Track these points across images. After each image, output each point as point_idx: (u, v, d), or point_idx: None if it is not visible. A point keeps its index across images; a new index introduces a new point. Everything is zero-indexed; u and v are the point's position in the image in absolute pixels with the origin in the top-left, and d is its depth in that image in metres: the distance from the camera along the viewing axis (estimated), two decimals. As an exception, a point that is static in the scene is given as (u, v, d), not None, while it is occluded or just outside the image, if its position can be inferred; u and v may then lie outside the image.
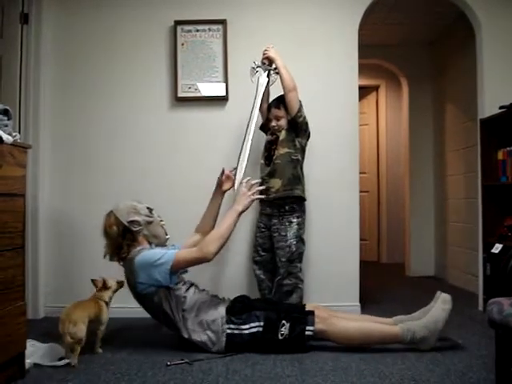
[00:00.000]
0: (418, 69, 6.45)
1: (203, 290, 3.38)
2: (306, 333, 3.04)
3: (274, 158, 3.69)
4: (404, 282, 6.01)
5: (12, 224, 2.55)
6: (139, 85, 4.22)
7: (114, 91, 4.22)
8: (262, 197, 3.50)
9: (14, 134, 2.56)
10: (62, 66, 4.23)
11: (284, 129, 3.72)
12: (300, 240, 3.73)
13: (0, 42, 4.05)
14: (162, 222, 3.41)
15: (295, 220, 3.69)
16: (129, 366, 2.84)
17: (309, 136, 3.78)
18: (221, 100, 4.15)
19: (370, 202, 7.74)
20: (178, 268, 3.11)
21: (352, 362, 2.86)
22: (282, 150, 3.68)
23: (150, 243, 3.31)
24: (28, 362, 2.75)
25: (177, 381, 2.61)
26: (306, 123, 3.72)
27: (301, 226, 3.74)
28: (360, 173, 4.29)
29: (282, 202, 3.67)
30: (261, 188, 3.39)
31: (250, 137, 3.61)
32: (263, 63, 3.75)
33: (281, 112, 3.72)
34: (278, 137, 3.72)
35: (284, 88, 3.66)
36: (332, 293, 4.10)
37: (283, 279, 3.64)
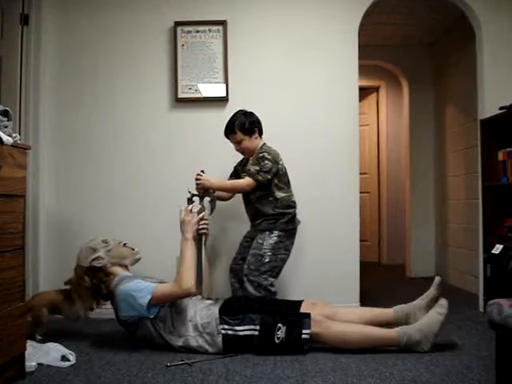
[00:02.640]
0: (419, 69, 6.45)
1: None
2: (303, 336, 3.02)
3: (252, 200, 3.67)
4: (404, 282, 6.01)
5: (12, 225, 2.55)
6: (139, 86, 4.22)
7: (114, 92, 4.23)
8: (207, 232, 3.47)
9: (14, 135, 2.56)
10: (62, 67, 4.22)
11: (251, 148, 3.68)
12: (276, 254, 3.58)
13: (0, 42, 4.05)
14: (124, 242, 3.47)
15: (277, 232, 3.60)
16: (129, 367, 2.84)
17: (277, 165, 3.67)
18: (221, 101, 4.15)
19: (370, 203, 7.74)
20: (158, 302, 3.10)
21: (352, 363, 2.86)
22: (257, 194, 3.64)
23: (125, 267, 3.39)
24: (33, 364, 2.76)
25: (177, 382, 2.61)
26: (268, 178, 3.57)
27: (282, 239, 3.60)
28: (360, 173, 4.30)
29: None
30: (206, 225, 3.36)
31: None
32: (199, 192, 3.60)
33: (237, 136, 3.65)
34: None
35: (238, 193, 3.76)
36: (332, 293, 4.08)
37: (249, 288, 3.52)
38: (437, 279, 3.28)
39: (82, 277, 3.30)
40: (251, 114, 3.73)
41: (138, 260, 3.46)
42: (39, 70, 4.12)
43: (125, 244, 3.46)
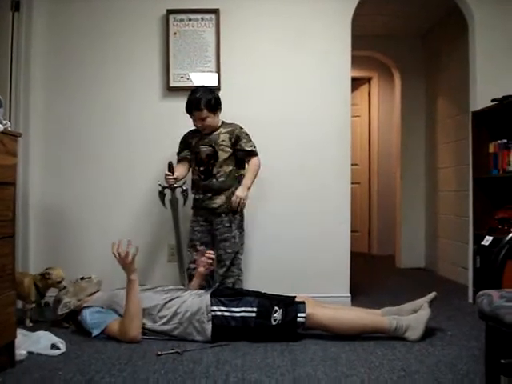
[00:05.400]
0: (411, 61, 6.45)
1: (181, 288, 3.47)
2: (298, 319, 3.07)
3: (218, 174, 3.65)
4: (394, 273, 6.03)
5: (2, 213, 2.53)
6: (131, 74, 4.20)
7: (105, 80, 4.20)
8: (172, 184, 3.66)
9: (4, 122, 2.54)
10: (53, 54, 4.19)
11: (213, 125, 3.69)
12: (242, 230, 3.77)
13: (-9, 29, 4.03)
14: (80, 277, 3.53)
15: (238, 211, 3.71)
16: (119, 356, 2.84)
17: None
18: (213, 90, 4.14)
19: (361, 194, 7.74)
20: (107, 334, 3.16)
21: (342, 353, 2.87)
22: (227, 168, 3.66)
23: (92, 294, 3.44)
24: (23, 352, 2.75)
25: (167, 370, 2.61)
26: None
27: (242, 216, 3.76)
28: (351, 164, 4.28)
29: None
30: (135, 254, 3.20)
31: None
32: (170, 185, 3.70)
33: (202, 113, 3.63)
34: (215, 151, 3.65)
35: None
36: (322, 284, 4.11)
37: (228, 271, 3.65)
38: (432, 294, 3.30)
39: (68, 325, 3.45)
40: (213, 90, 3.76)
41: (98, 283, 3.53)
42: (30, 57, 4.09)
43: (82, 278, 3.53)
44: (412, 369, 2.61)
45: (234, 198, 3.61)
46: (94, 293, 3.45)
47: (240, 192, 3.62)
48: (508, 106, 3.82)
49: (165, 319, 3.14)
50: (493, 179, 4.11)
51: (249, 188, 3.68)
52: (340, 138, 4.18)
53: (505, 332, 2.04)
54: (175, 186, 3.72)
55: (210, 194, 3.67)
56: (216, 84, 4.12)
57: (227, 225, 3.66)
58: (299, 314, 3.08)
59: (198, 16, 4.13)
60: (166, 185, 3.72)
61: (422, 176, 6.42)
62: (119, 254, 3.13)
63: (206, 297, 3.18)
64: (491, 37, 4.24)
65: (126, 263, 3.13)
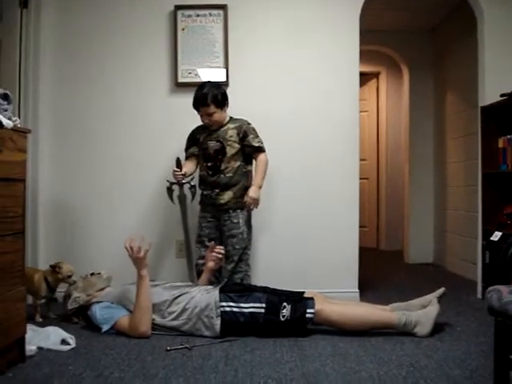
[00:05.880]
0: (419, 56, 6.43)
1: (190, 284, 3.49)
2: (307, 315, 3.07)
3: (226, 170, 3.65)
4: (402, 268, 6.03)
5: (12, 209, 2.55)
6: (139, 70, 4.20)
7: (113, 76, 4.20)
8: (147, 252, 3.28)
9: (13, 118, 2.55)
10: (62, 50, 4.20)
11: (220, 121, 3.68)
12: (250, 226, 3.81)
13: (-1, 26, 4.03)
14: (91, 272, 3.54)
15: (246, 208, 3.72)
16: (128, 351, 2.85)
17: None
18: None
19: (369, 189, 7.74)
20: (117, 330, 3.17)
21: (351, 349, 2.87)
22: (234, 164, 3.66)
23: (101, 290, 3.45)
24: (34, 348, 2.77)
25: (176, 366, 2.62)
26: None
27: (250, 212, 3.78)
28: (360, 160, 4.28)
29: None
30: (147, 249, 3.20)
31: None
32: (178, 180, 3.72)
33: (209, 109, 3.62)
34: (223, 146, 3.65)
35: None
36: (331, 279, 4.11)
37: (236, 266, 3.67)
38: (441, 290, 3.29)
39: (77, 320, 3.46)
40: (220, 85, 3.76)
41: (108, 279, 3.54)
42: (38, 54, 4.10)
43: (92, 274, 3.54)
44: (421, 364, 2.61)
45: (247, 200, 3.63)
46: (104, 288, 3.47)
47: (253, 193, 3.63)
48: (517, 101, 3.81)
49: (174, 315, 3.15)
50: (502, 174, 4.09)
51: (260, 187, 3.68)
52: (348, 133, 4.17)
53: (514, 328, 2.04)
54: (183, 181, 3.73)
55: (217, 190, 3.68)
56: (224, 80, 4.11)
57: (235, 221, 3.66)
58: (308, 310, 3.08)
59: (206, 12, 4.13)
60: (174, 181, 3.74)
61: (430, 171, 6.40)
62: (132, 248, 3.14)
63: (215, 292, 3.18)
64: (500, 32, 4.21)
65: (138, 258, 3.15)
